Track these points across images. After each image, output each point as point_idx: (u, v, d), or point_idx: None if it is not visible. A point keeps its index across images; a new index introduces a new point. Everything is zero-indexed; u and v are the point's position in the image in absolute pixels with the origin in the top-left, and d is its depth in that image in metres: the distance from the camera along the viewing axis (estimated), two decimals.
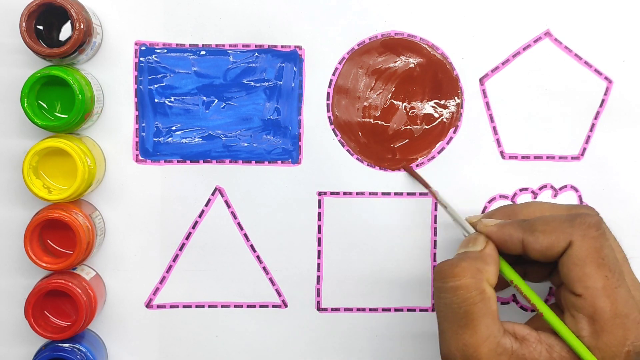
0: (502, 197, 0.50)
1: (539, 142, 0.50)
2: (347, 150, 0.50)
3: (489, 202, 0.50)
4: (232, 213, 0.50)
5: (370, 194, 0.50)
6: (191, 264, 0.50)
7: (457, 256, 0.43)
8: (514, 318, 0.51)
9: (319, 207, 0.50)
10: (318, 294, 0.50)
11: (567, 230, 0.41)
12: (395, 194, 0.50)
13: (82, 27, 0.44)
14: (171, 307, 0.50)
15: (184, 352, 0.50)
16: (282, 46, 0.49)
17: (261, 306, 0.50)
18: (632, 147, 0.51)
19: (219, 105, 0.49)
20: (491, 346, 0.40)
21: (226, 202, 0.50)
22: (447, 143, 0.50)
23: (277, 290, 0.50)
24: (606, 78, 0.50)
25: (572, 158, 0.51)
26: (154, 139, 0.49)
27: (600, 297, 0.39)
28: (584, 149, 0.51)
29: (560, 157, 0.51)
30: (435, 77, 0.50)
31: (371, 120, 0.50)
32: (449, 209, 0.47)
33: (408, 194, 0.50)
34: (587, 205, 0.49)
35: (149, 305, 0.50)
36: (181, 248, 0.50)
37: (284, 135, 0.49)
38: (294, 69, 0.49)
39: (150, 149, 0.49)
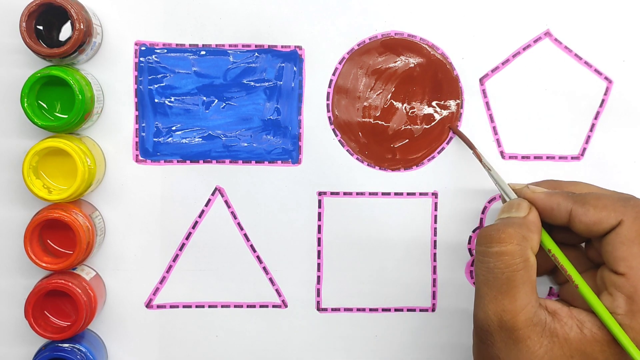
0: None
1: (539, 142, 0.50)
2: (347, 150, 0.50)
3: (489, 202, 0.50)
4: (232, 213, 0.50)
5: (370, 194, 0.50)
6: (191, 264, 0.50)
7: (501, 221, 0.43)
8: None
9: (319, 207, 0.50)
10: (318, 294, 0.50)
11: (619, 209, 0.41)
12: (395, 194, 0.50)
13: (82, 27, 0.44)
14: (171, 307, 0.50)
15: (184, 352, 0.50)
16: (282, 46, 0.49)
17: (261, 306, 0.50)
18: (632, 147, 0.51)
19: (219, 105, 0.49)
20: (528, 315, 0.40)
21: (226, 202, 0.50)
22: (447, 143, 0.50)
23: (277, 290, 0.50)
24: (606, 78, 0.50)
25: (572, 158, 0.51)
26: (154, 139, 0.49)
27: None
28: (584, 149, 0.51)
29: (560, 157, 0.51)
30: (435, 77, 0.50)
31: (371, 120, 0.50)
32: (493, 172, 0.46)
33: (408, 194, 0.50)
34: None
35: (149, 305, 0.50)
36: (181, 248, 0.50)
37: (284, 135, 0.49)
38: (294, 69, 0.49)
39: (150, 149, 0.49)
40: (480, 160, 0.48)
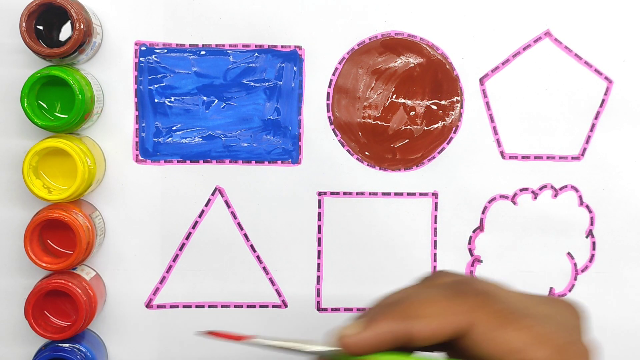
0: (502, 197, 0.50)
1: (539, 142, 0.50)
2: (347, 150, 0.50)
3: (489, 202, 0.50)
4: (232, 213, 0.50)
5: (370, 194, 0.50)
6: (191, 264, 0.50)
7: None
8: None
9: (319, 207, 0.50)
10: (318, 294, 0.50)
11: (458, 309, 0.33)
12: (395, 194, 0.50)
13: (82, 27, 0.44)
14: (171, 307, 0.50)
15: (184, 352, 0.50)
16: (282, 46, 0.49)
17: (261, 306, 0.50)
18: (632, 147, 0.51)
19: (219, 105, 0.49)
20: None
21: (226, 202, 0.50)
22: (447, 143, 0.50)
23: (277, 290, 0.50)
24: (606, 78, 0.50)
25: (572, 158, 0.51)
26: (154, 139, 0.49)
27: None
28: (584, 149, 0.51)
29: (560, 157, 0.51)
30: (435, 77, 0.50)
31: (371, 120, 0.50)
32: (287, 343, 0.35)
33: (408, 194, 0.50)
34: None
35: (149, 305, 0.50)
36: (181, 248, 0.50)
37: (284, 135, 0.49)
38: (294, 69, 0.49)
39: (150, 149, 0.49)
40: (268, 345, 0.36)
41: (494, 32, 0.50)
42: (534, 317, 0.33)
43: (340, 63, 0.49)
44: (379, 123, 0.50)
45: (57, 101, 0.46)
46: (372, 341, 0.33)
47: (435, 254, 0.50)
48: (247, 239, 0.50)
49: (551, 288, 0.51)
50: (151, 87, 0.49)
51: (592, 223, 0.51)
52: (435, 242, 0.50)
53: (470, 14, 0.50)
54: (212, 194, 0.49)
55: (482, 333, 0.33)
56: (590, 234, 0.51)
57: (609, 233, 0.51)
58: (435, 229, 0.50)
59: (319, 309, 0.50)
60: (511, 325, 0.33)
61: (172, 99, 0.49)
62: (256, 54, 0.49)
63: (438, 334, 0.33)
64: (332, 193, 0.50)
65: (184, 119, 0.49)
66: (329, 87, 0.50)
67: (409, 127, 0.50)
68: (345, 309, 0.51)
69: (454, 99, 0.50)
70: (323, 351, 0.34)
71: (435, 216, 0.50)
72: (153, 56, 0.49)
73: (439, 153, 0.50)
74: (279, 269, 0.50)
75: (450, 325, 0.33)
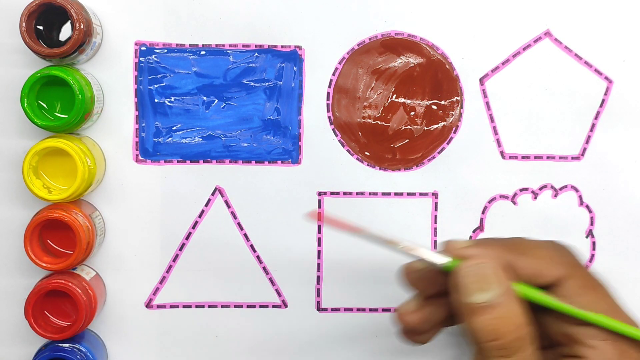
0: (502, 197, 0.50)
1: (539, 142, 0.50)
2: (347, 150, 0.50)
3: (489, 202, 0.50)
4: (232, 213, 0.50)
5: (370, 194, 0.50)
6: (191, 264, 0.50)
7: (476, 314, 0.36)
8: None
9: (319, 207, 0.50)
10: (318, 294, 0.50)
11: (558, 259, 0.38)
12: (395, 194, 0.50)
13: (82, 27, 0.44)
14: (171, 307, 0.50)
15: (184, 352, 0.50)
16: (282, 46, 0.49)
17: (261, 306, 0.50)
18: (632, 147, 0.51)
19: (219, 105, 0.49)
20: None
21: (226, 202, 0.50)
22: (447, 143, 0.50)
23: (277, 290, 0.50)
24: (606, 78, 0.50)
25: (572, 158, 0.51)
26: (154, 139, 0.49)
27: None
28: (584, 149, 0.51)
29: (560, 157, 0.51)
30: (435, 77, 0.50)
31: (371, 120, 0.50)
32: (403, 246, 0.39)
33: (408, 194, 0.50)
34: None
35: (149, 305, 0.50)
36: (181, 248, 0.50)
37: (284, 135, 0.49)
38: (294, 69, 0.49)
39: (150, 149, 0.49)
40: (377, 240, 0.40)
41: (494, 32, 0.50)
42: (606, 289, 0.39)
43: (340, 63, 0.49)
44: (379, 123, 0.50)
45: (57, 101, 0.46)
46: (478, 255, 0.36)
47: None
48: (247, 239, 0.50)
49: None
50: (151, 87, 0.49)
51: (592, 223, 0.51)
52: (435, 242, 0.50)
53: (470, 14, 0.50)
54: (212, 194, 0.50)
55: (571, 288, 0.37)
56: (590, 234, 0.51)
57: (609, 233, 0.51)
58: (435, 229, 0.50)
59: (319, 309, 0.50)
60: (594, 291, 0.38)
61: (172, 99, 0.49)
62: (256, 54, 0.49)
63: (539, 275, 0.37)
64: (332, 193, 0.50)
65: (184, 119, 0.49)
66: (329, 87, 0.50)
67: (409, 127, 0.50)
68: (345, 309, 0.51)
69: (454, 99, 0.50)
70: (429, 259, 0.38)
71: (435, 216, 0.50)
72: (153, 56, 0.49)
73: (439, 153, 0.50)
74: (279, 269, 0.50)
75: (551, 272, 0.37)
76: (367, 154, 0.50)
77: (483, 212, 0.50)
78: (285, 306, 0.50)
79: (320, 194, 0.50)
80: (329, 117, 0.50)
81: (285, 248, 0.50)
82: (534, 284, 0.38)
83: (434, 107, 0.50)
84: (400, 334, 0.43)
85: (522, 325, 0.35)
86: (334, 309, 0.51)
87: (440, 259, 0.37)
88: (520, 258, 0.37)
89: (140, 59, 0.48)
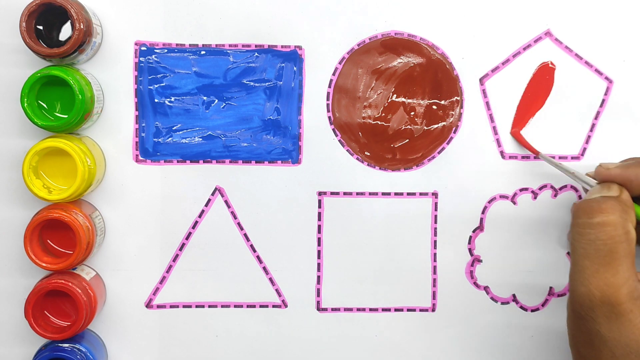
0: (502, 197, 0.50)
1: (539, 142, 0.50)
2: (347, 150, 0.50)
3: (489, 202, 0.50)
4: (232, 213, 0.50)
5: (370, 194, 0.50)
6: (191, 264, 0.50)
7: (596, 198, 0.42)
8: (515, 318, 0.51)
9: (319, 207, 0.50)
10: (318, 294, 0.50)
11: None
12: (395, 194, 0.50)
13: (82, 27, 0.44)
14: (171, 307, 0.50)
15: (184, 352, 0.50)
16: (282, 46, 0.49)
17: (261, 306, 0.50)
18: (632, 147, 0.51)
19: (219, 105, 0.49)
20: (630, 289, 0.40)
21: (226, 202, 0.50)
22: (447, 143, 0.50)
23: (277, 290, 0.50)
24: (606, 78, 0.50)
25: (572, 158, 0.51)
26: (154, 139, 0.49)
27: None
28: (584, 149, 0.51)
29: (560, 157, 0.51)
30: (435, 77, 0.50)
31: (371, 120, 0.50)
32: (564, 166, 0.47)
33: (408, 194, 0.50)
34: None
35: (149, 305, 0.50)
36: (181, 248, 0.50)
37: (284, 135, 0.49)
38: (294, 69, 0.49)
39: (150, 149, 0.49)
40: (546, 160, 0.49)
41: (494, 32, 0.50)
42: None
43: (340, 63, 0.49)
44: (379, 123, 0.50)
45: (57, 101, 0.46)
46: (626, 177, 0.43)
47: (435, 254, 0.50)
48: (247, 239, 0.50)
49: (551, 288, 0.51)
50: (151, 87, 0.49)
51: None
52: (435, 242, 0.50)
53: (470, 14, 0.50)
54: (212, 194, 0.50)
55: None
56: None
57: None
58: (435, 229, 0.50)
59: (319, 309, 0.50)
60: None
61: (172, 99, 0.49)
62: (256, 54, 0.49)
63: None
64: (332, 193, 0.50)
65: (184, 119, 0.49)
66: (329, 87, 0.50)
67: (409, 127, 0.50)
68: (345, 309, 0.51)
69: (454, 99, 0.50)
70: (582, 179, 0.46)
71: (435, 216, 0.50)
72: (153, 56, 0.49)
73: (439, 153, 0.50)
74: (279, 269, 0.50)
75: None
76: (367, 154, 0.50)
77: (483, 212, 0.50)
78: (285, 306, 0.50)
79: (320, 194, 0.50)
80: (329, 117, 0.50)
81: (285, 248, 0.50)
82: None
83: (434, 107, 0.50)
84: None
85: (625, 210, 0.41)
86: (334, 309, 0.51)
87: (591, 181, 0.45)
88: None
89: (140, 59, 0.48)
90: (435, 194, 0.50)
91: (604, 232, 0.40)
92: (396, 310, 0.51)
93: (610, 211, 0.40)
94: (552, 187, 0.51)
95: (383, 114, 0.50)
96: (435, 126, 0.50)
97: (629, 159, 0.47)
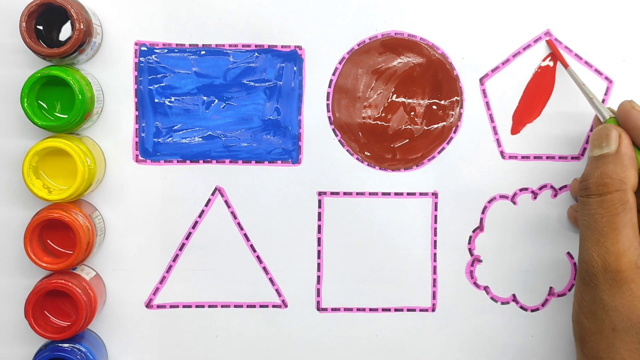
0: (502, 197, 0.50)
1: (539, 142, 0.50)
2: (347, 150, 0.50)
3: (489, 202, 0.50)
4: (232, 213, 0.50)
5: (370, 194, 0.50)
6: (191, 264, 0.50)
7: (595, 164, 0.43)
8: (515, 318, 0.51)
9: (319, 207, 0.50)
10: (318, 294, 0.50)
11: None
12: (395, 194, 0.50)
13: (82, 27, 0.44)
14: (171, 307, 0.50)
15: (184, 352, 0.50)
16: (282, 46, 0.49)
17: (261, 306, 0.50)
18: None
19: (219, 105, 0.49)
20: (631, 257, 0.41)
21: (226, 202, 0.50)
22: (447, 143, 0.50)
23: (277, 290, 0.50)
24: (606, 78, 0.50)
25: (572, 158, 0.51)
26: (154, 139, 0.49)
27: None
28: (584, 149, 0.51)
29: (560, 157, 0.51)
30: (435, 77, 0.50)
31: (371, 120, 0.50)
32: (586, 88, 0.47)
33: (408, 194, 0.50)
34: None
35: (149, 305, 0.50)
36: (181, 248, 0.50)
37: (284, 135, 0.49)
38: (294, 69, 0.49)
39: (150, 149, 0.49)
40: (573, 77, 0.48)
41: (494, 32, 0.50)
42: None
43: (340, 63, 0.49)
44: (379, 123, 0.50)
45: (57, 101, 0.46)
46: (630, 117, 0.43)
47: (435, 254, 0.50)
48: (247, 239, 0.50)
49: (551, 288, 0.51)
50: (151, 87, 0.49)
51: None
52: (435, 242, 0.50)
53: (470, 14, 0.50)
54: (212, 194, 0.50)
55: None
56: None
57: None
58: (435, 229, 0.50)
59: (319, 309, 0.50)
60: None
61: (172, 99, 0.49)
62: (256, 54, 0.49)
63: None
64: (332, 193, 0.50)
65: (184, 119, 0.49)
66: (329, 87, 0.50)
67: (409, 127, 0.50)
68: (345, 309, 0.51)
69: (454, 99, 0.50)
70: (598, 108, 0.46)
71: (435, 216, 0.50)
72: (153, 56, 0.49)
73: (439, 153, 0.50)
74: (279, 269, 0.50)
75: None
76: (367, 154, 0.50)
77: (483, 212, 0.50)
78: (285, 306, 0.50)
79: (320, 194, 0.50)
80: (329, 117, 0.50)
81: (285, 248, 0.50)
82: None
83: (434, 107, 0.50)
84: None
85: (622, 180, 0.41)
86: (334, 309, 0.51)
87: (605, 113, 0.45)
88: None
89: (140, 59, 0.48)
90: (435, 194, 0.50)
91: (601, 207, 0.42)
92: (396, 310, 0.51)
93: (606, 190, 0.42)
94: (552, 187, 0.51)
95: (383, 114, 0.50)
96: (435, 126, 0.50)
97: None
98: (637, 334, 0.40)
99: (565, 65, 0.49)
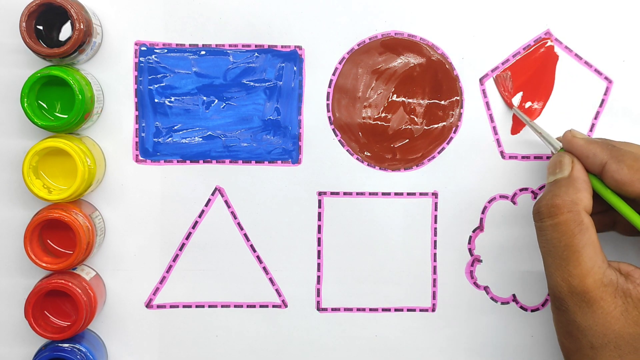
0: (502, 197, 0.50)
1: (539, 142, 0.50)
2: (347, 150, 0.50)
3: (489, 202, 0.50)
4: (232, 213, 0.50)
5: (370, 194, 0.50)
6: (191, 264, 0.50)
7: (549, 188, 0.43)
8: (515, 318, 0.51)
9: (319, 207, 0.50)
10: (318, 294, 0.50)
11: None
12: (395, 194, 0.50)
13: (82, 27, 0.44)
14: (171, 307, 0.50)
15: (184, 352, 0.50)
16: (282, 46, 0.49)
17: (261, 306, 0.50)
18: None
19: (219, 105, 0.49)
20: (597, 276, 0.40)
21: (226, 202, 0.50)
22: (447, 143, 0.50)
23: (277, 290, 0.50)
24: (606, 78, 0.50)
25: None
26: (154, 139, 0.49)
27: None
28: None
29: None
30: (435, 77, 0.50)
31: (371, 120, 0.50)
32: (533, 124, 0.48)
33: (408, 194, 0.50)
34: None
35: (149, 305, 0.50)
36: (181, 248, 0.50)
37: (284, 135, 0.49)
38: (294, 69, 0.49)
39: (150, 149, 0.49)
40: (522, 118, 0.49)
41: (494, 32, 0.50)
42: None
43: (340, 63, 0.49)
44: (379, 123, 0.50)
45: (57, 101, 0.46)
46: (584, 151, 0.43)
47: (435, 254, 0.50)
48: (247, 239, 0.50)
49: None
50: (151, 87, 0.49)
51: None
52: (435, 242, 0.50)
53: (470, 14, 0.50)
54: (212, 194, 0.50)
55: None
56: None
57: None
58: (435, 229, 0.50)
59: (319, 309, 0.50)
60: None
61: (172, 99, 0.49)
62: (256, 54, 0.49)
63: (627, 184, 0.41)
64: (332, 193, 0.50)
65: (184, 119, 0.49)
66: (329, 87, 0.50)
67: (409, 127, 0.50)
68: (345, 309, 0.51)
69: (454, 99, 0.50)
70: (548, 140, 0.46)
71: (435, 216, 0.50)
72: (153, 56, 0.49)
73: (439, 153, 0.50)
74: (279, 269, 0.50)
75: (636, 187, 0.41)
76: (367, 154, 0.50)
77: (483, 212, 0.50)
78: (285, 306, 0.50)
79: (320, 194, 0.50)
80: (329, 117, 0.50)
81: (285, 248, 0.50)
82: (622, 191, 0.42)
83: (434, 107, 0.50)
84: None
85: (574, 201, 0.41)
86: (334, 309, 0.51)
87: (556, 144, 0.46)
88: (616, 163, 0.42)
89: (140, 59, 0.48)
90: (435, 194, 0.50)
91: (556, 231, 0.41)
92: (396, 310, 0.51)
93: (558, 212, 0.41)
94: None
95: (383, 114, 0.50)
96: (435, 126, 0.50)
97: (600, 138, 0.47)
98: (616, 348, 0.40)
99: (510, 106, 0.49)
